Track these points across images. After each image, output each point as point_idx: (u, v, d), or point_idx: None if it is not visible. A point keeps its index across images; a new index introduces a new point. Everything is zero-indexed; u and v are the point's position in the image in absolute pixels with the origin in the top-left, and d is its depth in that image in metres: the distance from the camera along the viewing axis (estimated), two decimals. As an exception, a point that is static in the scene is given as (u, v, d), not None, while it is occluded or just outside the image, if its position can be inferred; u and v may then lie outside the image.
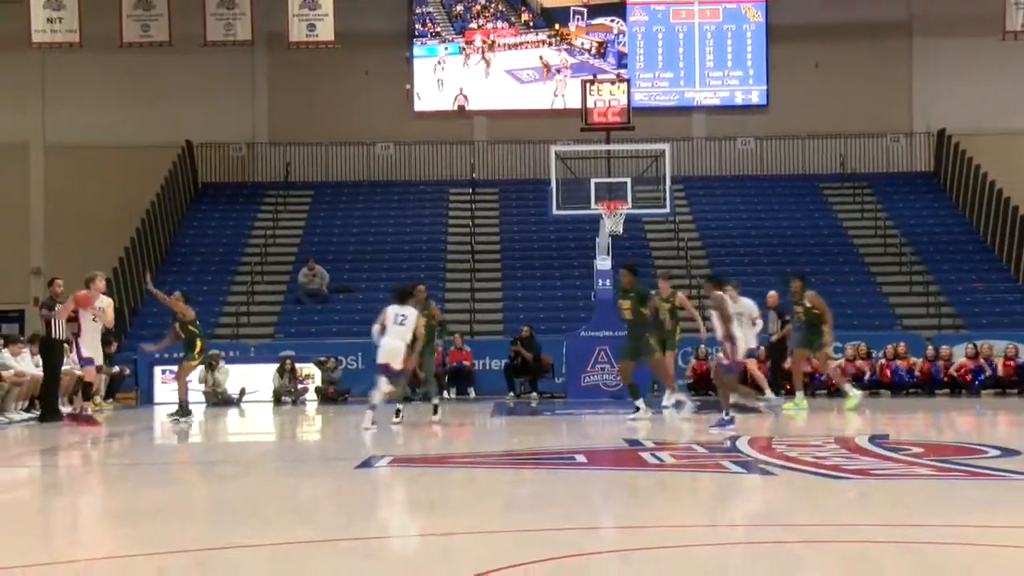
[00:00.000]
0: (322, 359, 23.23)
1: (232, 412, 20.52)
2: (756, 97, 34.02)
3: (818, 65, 33.60)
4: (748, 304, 17.14)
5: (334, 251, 30.19)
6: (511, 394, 22.84)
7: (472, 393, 23.36)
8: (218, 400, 21.96)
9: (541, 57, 33.75)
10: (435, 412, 16.12)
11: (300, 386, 22.72)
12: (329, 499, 8.77)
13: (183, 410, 17.22)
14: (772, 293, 20.70)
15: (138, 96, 33.06)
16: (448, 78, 33.71)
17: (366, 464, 10.46)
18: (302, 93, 33.52)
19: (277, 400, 22.37)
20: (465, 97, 33.72)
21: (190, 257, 30.13)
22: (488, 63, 33.70)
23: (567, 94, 33.48)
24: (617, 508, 8.10)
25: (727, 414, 14.12)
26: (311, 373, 23.16)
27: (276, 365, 22.81)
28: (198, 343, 17.47)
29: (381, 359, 14.83)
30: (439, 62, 33.70)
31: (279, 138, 33.39)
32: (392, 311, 14.92)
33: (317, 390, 23.00)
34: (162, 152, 31.91)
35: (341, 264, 29.55)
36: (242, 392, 22.41)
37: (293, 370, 22.65)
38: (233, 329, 27.01)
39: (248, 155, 33.64)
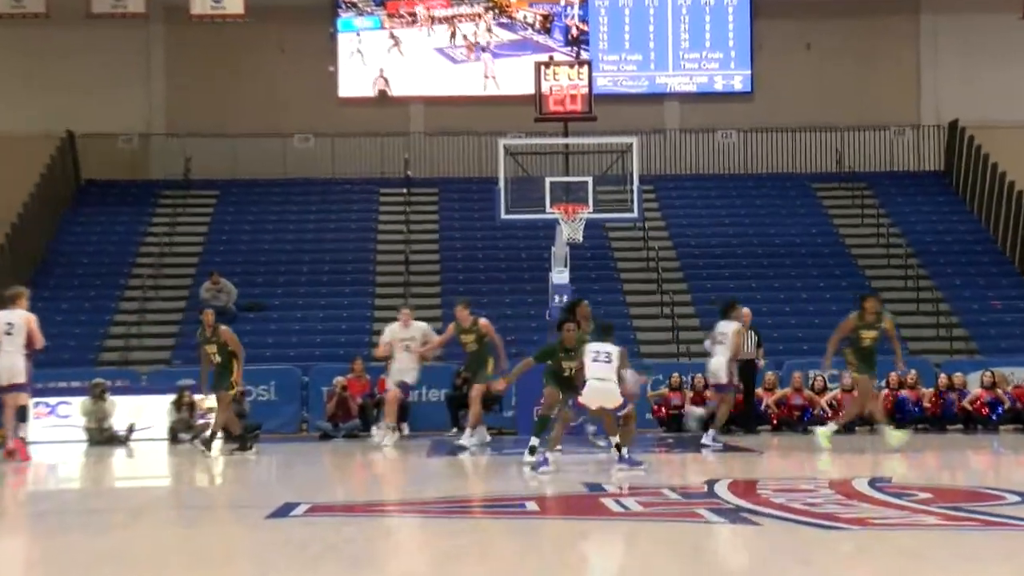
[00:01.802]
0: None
1: (119, 452, 20.36)
2: (739, 83, 34.23)
3: (810, 46, 33.86)
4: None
5: (243, 262, 30.04)
6: (454, 430, 22.81)
7: (406, 428, 23.29)
8: (102, 438, 21.77)
9: (462, 34, 33.77)
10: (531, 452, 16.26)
11: (201, 421, 22.57)
12: (233, 554, 8.72)
13: (243, 443, 18.63)
14: (746, 310, 20.83)
15: (10, 78, 32.78)
16: (368, 57, 33.69)
17: (280, 513, 10.42)
18: (206, 76, 33.35)
19: (173, 438, 22.21)
20: (386, 80, 33.69)
21: (71, 268, 29.89)
22: (405, 40, 33.71)
23: (499, 75, 33.53)
24: (572, 564, 8.10)
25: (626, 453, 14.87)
26: (215, 406, 22.99)
27: (172, 397, 22.64)
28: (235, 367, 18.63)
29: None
30: (358, 38, 33.70)
31: (178, 128, 33.21)
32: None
33: (222, 426, 22.83)
34: (38, 143, 31.65)
35: (251, 277, 29.40)
36: (130, 428, 22.23)
37: (192, 403, 22.51)
38: (121, 354, 26.82)
39: (141, 148, 33.43)
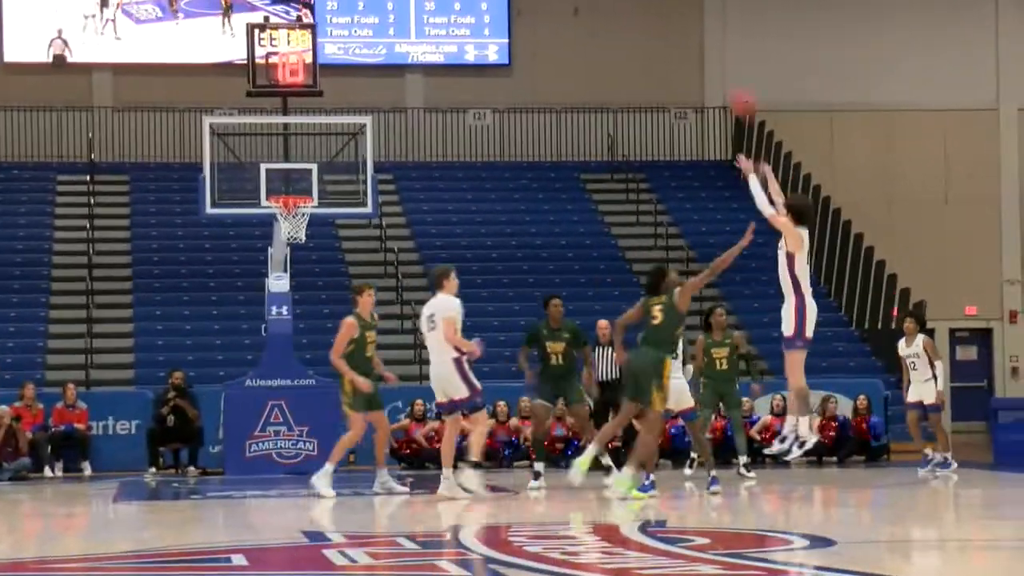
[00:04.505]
0: None
1: None
2: (494, 54, 34.58)
3: (577, 11, 34.39)
4: None
5: None
6: (152, 470, 22.60)
7: (87, 468, 22.97)
8: None
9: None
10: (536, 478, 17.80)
11: None
12: None
13: None
14: (603, 322, 21.11)
15: None
16: (52, 16, 33.04)
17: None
18: None
19: None
20: (65, 43, 33.06)
21: None
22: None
23: (201, 40, 33.16)
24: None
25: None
26: None
27: None
28: None
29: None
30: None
31: None
32: None
33: None
34: None
35: None
36: None
37: None
38: None
39: None
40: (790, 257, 14.66)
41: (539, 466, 18.01)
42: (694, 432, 17.98)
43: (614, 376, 20.44)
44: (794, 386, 14.97)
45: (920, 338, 20.14)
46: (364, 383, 17.08)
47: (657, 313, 15.94)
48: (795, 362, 14.90)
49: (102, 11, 33.39)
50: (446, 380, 16.40)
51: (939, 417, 20.31)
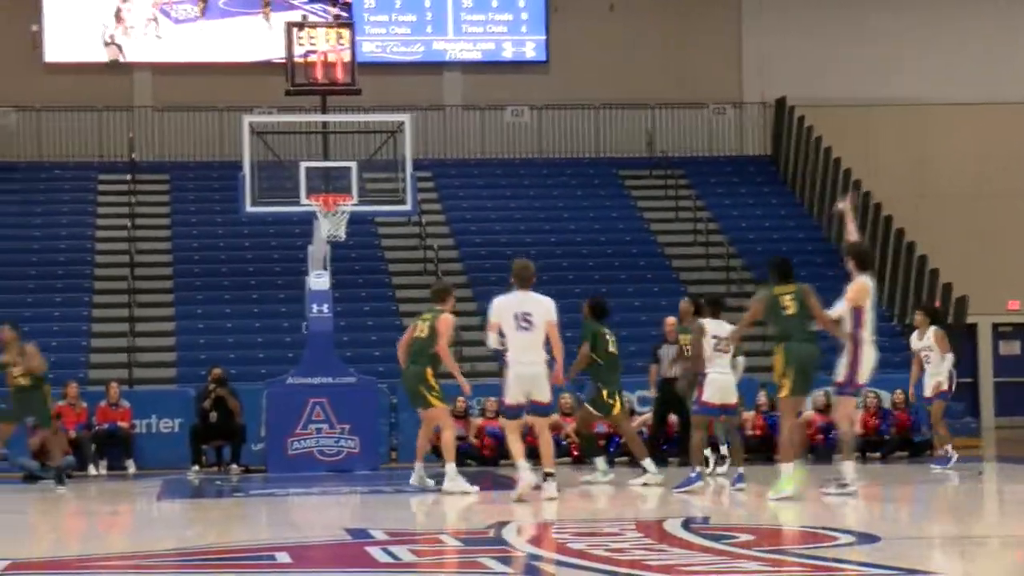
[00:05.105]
0: None
1: None
2: (531, 51, 34.55)
3: (614, 7, 34.32)
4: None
5: (-74, 263, 29.41)
6: (195, 467, 22.65)
7: (131, 466, 23.05)
8: None
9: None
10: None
11: None
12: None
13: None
14: (671, 319, 21.09)
15: None
16: (91, 15, 33.15)
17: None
18: None
19: None
20: (119, 47, 33.19)
21: None
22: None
23: (239, 39, 33.21)
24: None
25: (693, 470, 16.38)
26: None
27: None
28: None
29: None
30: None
31: None
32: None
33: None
34: None
35: (-64, 282, 28.79)
36: None
37: None
38: None
39: None
40: (857, 310, 14.91)
41: (600, 462, 18.14)
42: (731, 428, 17.88)
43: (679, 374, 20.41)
44: (841, 430, 15.60)
45: (931, 331, 19.87)
46: (467, 385, 18.23)
47: (789, 303, 15.33)
48: (845, 407, 15.24)
49: (120, 17, 33.39)
50: (538, 382, 15.80)
51: (940, 409, 19.98)
